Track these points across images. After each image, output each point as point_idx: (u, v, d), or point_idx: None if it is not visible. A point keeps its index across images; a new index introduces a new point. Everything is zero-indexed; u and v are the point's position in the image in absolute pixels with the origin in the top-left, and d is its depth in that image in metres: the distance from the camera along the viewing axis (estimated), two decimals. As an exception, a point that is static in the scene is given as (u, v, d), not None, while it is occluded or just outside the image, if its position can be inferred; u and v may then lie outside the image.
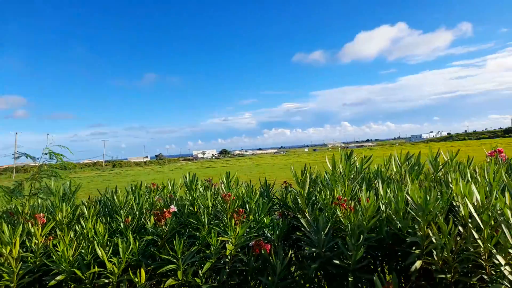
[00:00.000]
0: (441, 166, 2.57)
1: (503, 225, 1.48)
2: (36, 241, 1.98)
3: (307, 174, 2.10)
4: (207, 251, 1.88)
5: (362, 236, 1.76)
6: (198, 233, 1.94)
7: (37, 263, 1.98)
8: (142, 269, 1.70)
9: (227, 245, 1.88)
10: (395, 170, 2.66)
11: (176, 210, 2.22)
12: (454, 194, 1.92)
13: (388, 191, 2.04)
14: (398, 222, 1.94)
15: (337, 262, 1.85)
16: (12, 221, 2.32)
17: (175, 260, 1.78)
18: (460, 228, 1.77)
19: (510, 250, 1.50)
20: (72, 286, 1.83)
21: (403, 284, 1.99)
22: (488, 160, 2.83)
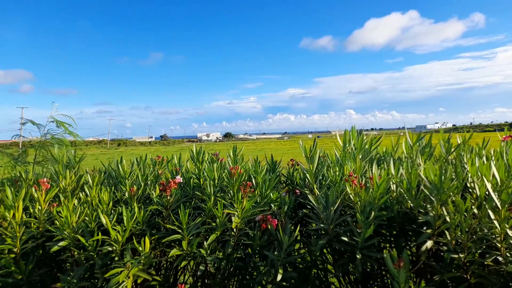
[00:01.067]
0: (453, 149, 2.49)
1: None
2: (40, 207, 1.95)
3: (317, 149, 2.04)
4: (213, 224, 1.84)
5: (373, 213, 1.70)
6: (204, 205, 1.90)
7: (40, 229, 1.95)
8: (146, 237, 1.66)
9: (233, 218, 1.83)
10: (405, 151, 2.59)
11: (181, 181, 2.18)
12: (469, 175, 1.86)
13: (401, 169, 1.98)
14: (410, 201, 1.89)
15: (345, 239, 1.80)
16: (16, 188, 2.29)
17: (180, 231, 1.74)
18: (475, 209, 1.72)
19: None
20: (76, 252, 1.80)
21: (412, 265, 1.95)
22: (503, 145, 2.75)
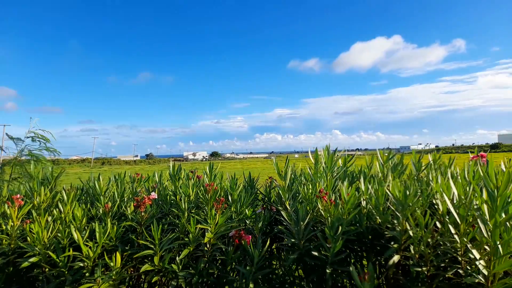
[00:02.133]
0: (423, 167, 2.59)
1: (479, 220, 1.50)
2: (12, 224, 1.95)
3: (288, 166, 2.10)
4: (186, 239, 1.86)
5: (340, 228, 1.76)
6: (177, 221, 1.92)
7: (11, 245, 1.94)
8: (117, 253, 1.67)
9: (206, 233, 1.86)
10: (378, 169, 2.67)
11: (156, 197, 2.20)
12: (434, 192, 1.94)
13: (370, 186, 2.05)
14: (378, 217, 1.96)
15: (315, 253, 1.85)
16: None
17: (152, 246, 1.75)
18: (438, 224, 1.79)
19: (485, 246, 1.52)
20: (47, 269, 1.79)
21: (381, 279, 2.00)
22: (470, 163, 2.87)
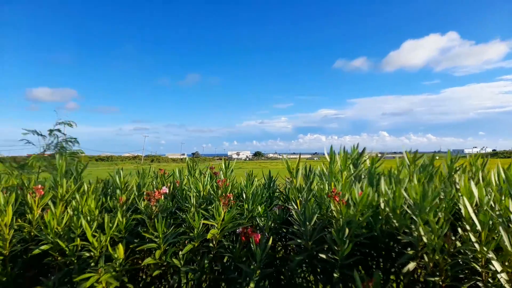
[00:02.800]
0: (458, 170, 2.38)
1: (500, 228, 1.33)
2: (33, 213, 2.04)
3: (300, 165, 2.02)
4: (191, 234, 1.85)
5: (348, 230, 1.65)
6: (185, 216, 1.91)
7: (32, 233, 2.03)
8: (120, 244, 1.69)
9: (211, 229, 1.83)
10: (406, 171, 2.50)
11: (167, 191, 2.21)
12: (458, 195, 1.77)
13: (386, 187, 1.91)
14: (395, 221, 1.82)
15: (323, 256, 1.75)
16: (18, 194, 2.40)
17: (156, 239, 1.75)
18: (461, 231, 1.62)
19: (510, 257, 1.35)
20: (58, 257, 1.86)
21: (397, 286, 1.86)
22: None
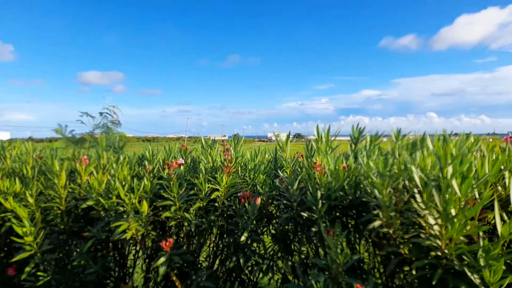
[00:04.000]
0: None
1: (433, 189, 1.67)
2: (81, 178, 2.60)
3: (289, 138, 2.42)
4: (200, 195, 2.32)
5: (319, 192, 2.04)
6: (195, 181, 2.38)
7: (81, 194, 2.60)
8: (145, 201, 2.19)
9: (215, 192, 2.29)
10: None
11: (183, 162, 2.69)
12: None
13: (365, 160, 2.26)
14: (367, 188, 2.18)
15: (305, 214, 2.16)
16: (71, 164, 2.99)
17: (172, 198, 2.24)
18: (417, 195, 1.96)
19: (434, 212, 1.70)
20: (101, 212, 2.40)
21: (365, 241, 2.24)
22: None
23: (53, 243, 2.35)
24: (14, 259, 2.20)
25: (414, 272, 1.83)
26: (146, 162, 2.85)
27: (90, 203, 2.33)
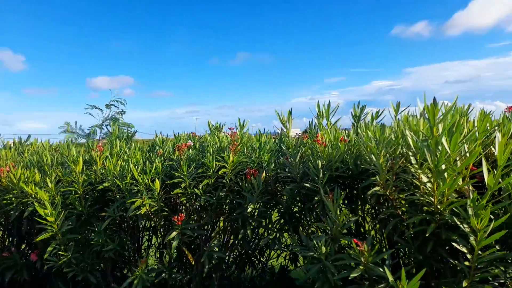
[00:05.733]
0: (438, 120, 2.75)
1: (425, 149, 1.77)
2: (97, 164, 2.76)
3: (291, 116, 2.54)
4: (209, 173, 2.46)
5: (319, 162, 2.16)
6: (204, 160, 2.52)
7: (97, 179, 2.76)
8: (157, 180, 2.34)
9: (222, 168, 2.43)
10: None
11: (192, 144, 2.84)
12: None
13: (365, 132, 2.37)
14: (367, 157, 2.29)
15: (307, 185, 2.28)
16: (87, 152, 3.17)
17: (182, 176, 2.38)
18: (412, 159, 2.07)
19: (427, 171, 1.81)
20: (116, 193, 2.56)
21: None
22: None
23: (73, 225, 2.52)
24: (38, 239, 2.37)
25: (410, 230, 1.94)
26: (157, 147, 3.01)
27: (106, 184, 2.48)
